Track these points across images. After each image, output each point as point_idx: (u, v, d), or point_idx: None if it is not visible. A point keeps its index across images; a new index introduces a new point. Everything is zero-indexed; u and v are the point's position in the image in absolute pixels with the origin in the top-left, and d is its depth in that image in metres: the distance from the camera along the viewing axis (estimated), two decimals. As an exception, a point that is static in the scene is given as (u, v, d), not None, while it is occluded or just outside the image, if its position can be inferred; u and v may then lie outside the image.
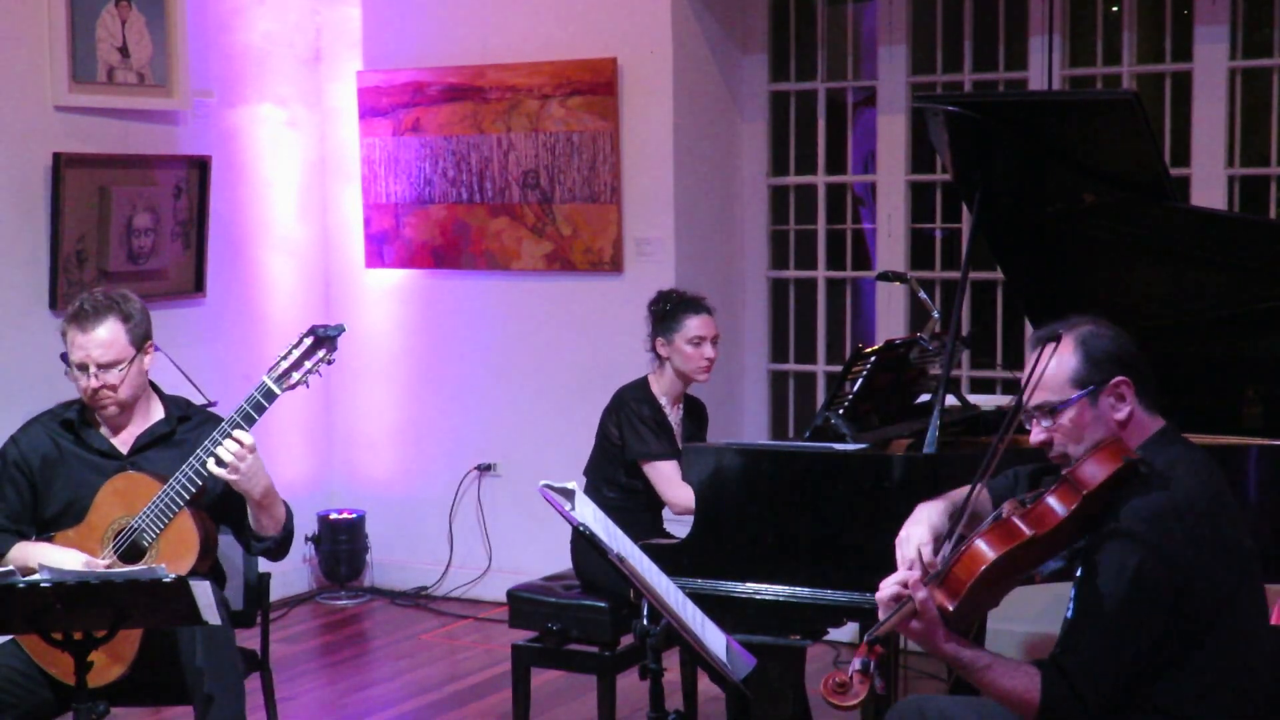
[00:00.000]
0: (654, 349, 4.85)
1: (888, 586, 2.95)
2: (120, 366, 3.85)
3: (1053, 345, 3.04)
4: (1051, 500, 2.92)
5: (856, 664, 2.84)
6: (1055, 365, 3.03)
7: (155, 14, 6.04)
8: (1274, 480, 3.78)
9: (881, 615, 2.95)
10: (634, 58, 6.28)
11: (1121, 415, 3.03)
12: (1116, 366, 3.03)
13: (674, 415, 4.87)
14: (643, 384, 4.86)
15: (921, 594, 2.88)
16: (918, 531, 3.20)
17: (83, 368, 3.85)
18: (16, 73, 5.67)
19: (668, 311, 4.81)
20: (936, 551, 3.13)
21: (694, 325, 4.78)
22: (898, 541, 3.22)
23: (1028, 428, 3.12)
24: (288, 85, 6.82)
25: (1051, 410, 3.03)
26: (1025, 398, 3.07)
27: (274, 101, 6.75)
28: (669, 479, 4.73)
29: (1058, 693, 2.88)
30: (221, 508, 3.95)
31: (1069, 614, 2.97)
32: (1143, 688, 2.92)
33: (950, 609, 2.89)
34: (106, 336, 3.83)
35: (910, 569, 3.11)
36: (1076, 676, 2.88)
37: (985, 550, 2.89)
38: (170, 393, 4.12)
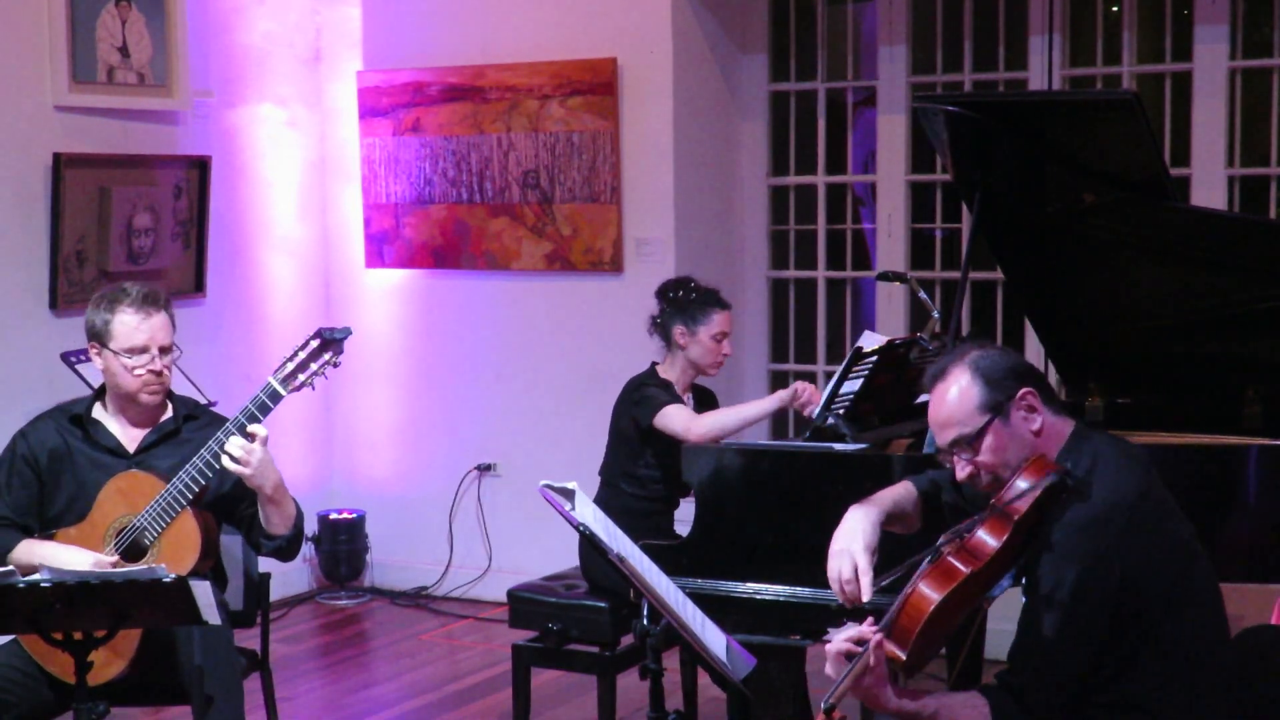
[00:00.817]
0: (669, 335, 4.79)
1: (838, 644, 2.89)
2: (173, 351, 3.92)
3: (945, 380, 3.03)
4: (983, 533, 2.90)
5: None
6: (957, 398, 3.00)
7: (155, 14, 6.04)
8: (1274, 480, 3.78)
9: (833, 672, 2.88)
10: (634, 58, 6.28)
11: (1035, 426, 3.00)
12: (1016, 380, 3.00)
13: (686, 403, 4.84)
14: (650, 372, 4.83)
15: (875, 643, 2.84)
16: (854, 547, 3.12)
17: (142, 351, 3.86)
18: (16, 73, 5.67)
19: (693, 301, 4.76)
20: (870, 566, 3.09)
21: (719, 320, 4.77)
22: (830, 555, 3.15)
23: (947, 466, 3.09)
24: (288, 85, 6.82)
25: (969, 441, 3.00)
26: (940, 437, 3.05)
27: (274, 101, 6.76)
28: (676, 417, 4.62)
29: (1006, 709, 2.87)
30: (230, 508, 3.95)
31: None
32: (1103, 686, 2.91)
33: (903, 658, 2.87)
34: (166, 321, 3.91)
35: (844, 588, 3.08)
36: (1027, 695, 2.88)
37: (928, 594, 2.86)
38: (176, 393, 4.13)
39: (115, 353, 3.87)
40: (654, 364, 4.85)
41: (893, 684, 2.88)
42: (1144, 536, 2.90)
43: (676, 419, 4.64)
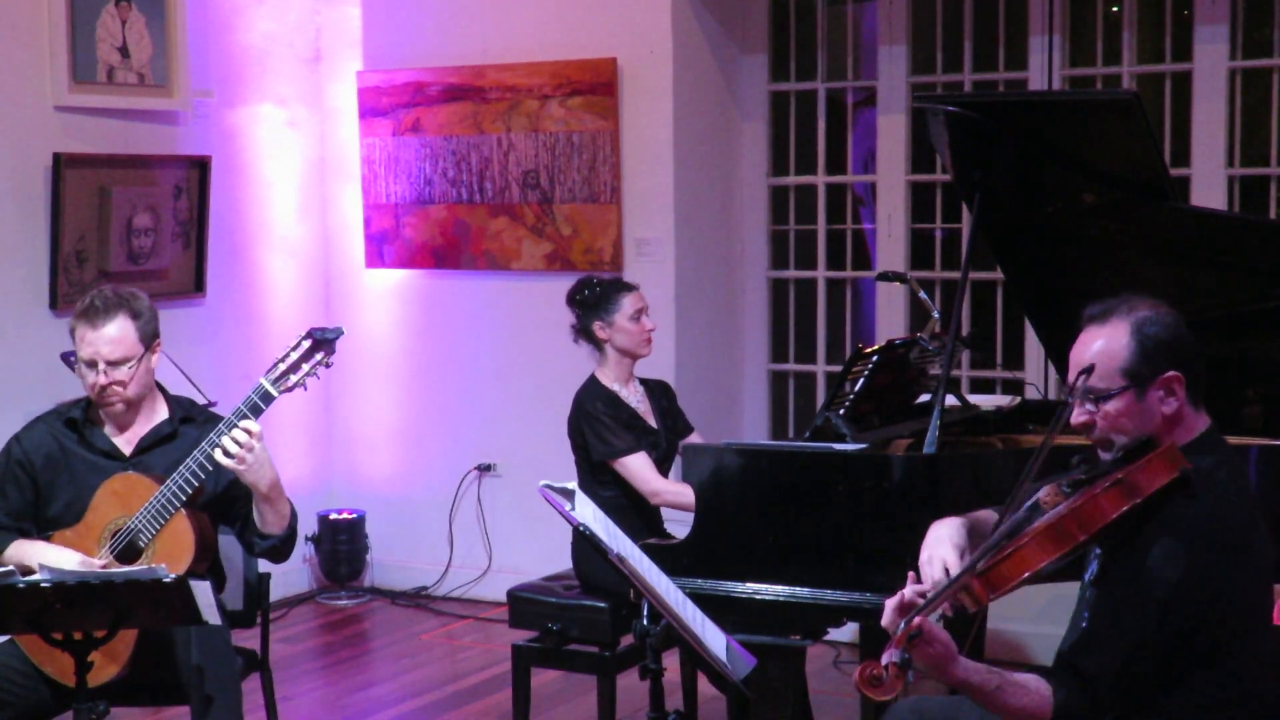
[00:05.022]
0: (591, 337, 4.83)
1: (901, 596, 2.89)
2: (129, 364, 3.85)
3: (1106, 328, 2.96)
4: (1104, 501, 2.82)
5: (895, 656, 2.73)
6: (1107, 350, 2.92)
7: (155, 14, 6.04)
8: (1274, 480, 3.78)
9: (889, 621, 2.87)
10: (634, 58, 6.28)
11: (1170, 410, 2.92)
12: (1169, 360, 2.91)
13: (634, 395, 4.88)
14: (591, 382, 4.86)
15: (964, 580, 2.81)
16: (942, 551, 3.12)
17: (91, 364, 3.84)
18: (16, 73, 5.67)
19: (599, 295, 4.82)
20: (904, 614, 3.01)
21: (630, 301, 4.81)
22: (922, 563, 3.13)
23: (1070, 401, 3.02)
24: (288, 85, 6.82)
25: (1097, 397, 2.92)
26: (1071, 377, 2.98)
27: (274, 101, 6.75)
28: (639, 473, 4.72)
29: (1074, 701, 2.82)
30: (225, 507, 3.95)
31: (1086, 614, 2.93)
32: (1153, 696, 2.87)
33: (985, 602, 2.83)
34: (116, 333, 3.83)
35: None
36: (1094, 679, 2.82)
37: (1037, 554, 2.81)
38: (173, 393, 4.12)
39: (77, 362, 3.89)
40: (593, 374, 4.87)
41: (960, 658, 2.83)
42: (1244, 559, 2.86)
43: (642, 476, 4.73)
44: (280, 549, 3.94)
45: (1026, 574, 2.81)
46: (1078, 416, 2.98)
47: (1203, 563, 2.80)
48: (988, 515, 3.31)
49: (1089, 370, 2.94)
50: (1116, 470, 2.88)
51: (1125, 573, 2.86)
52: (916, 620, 2.75)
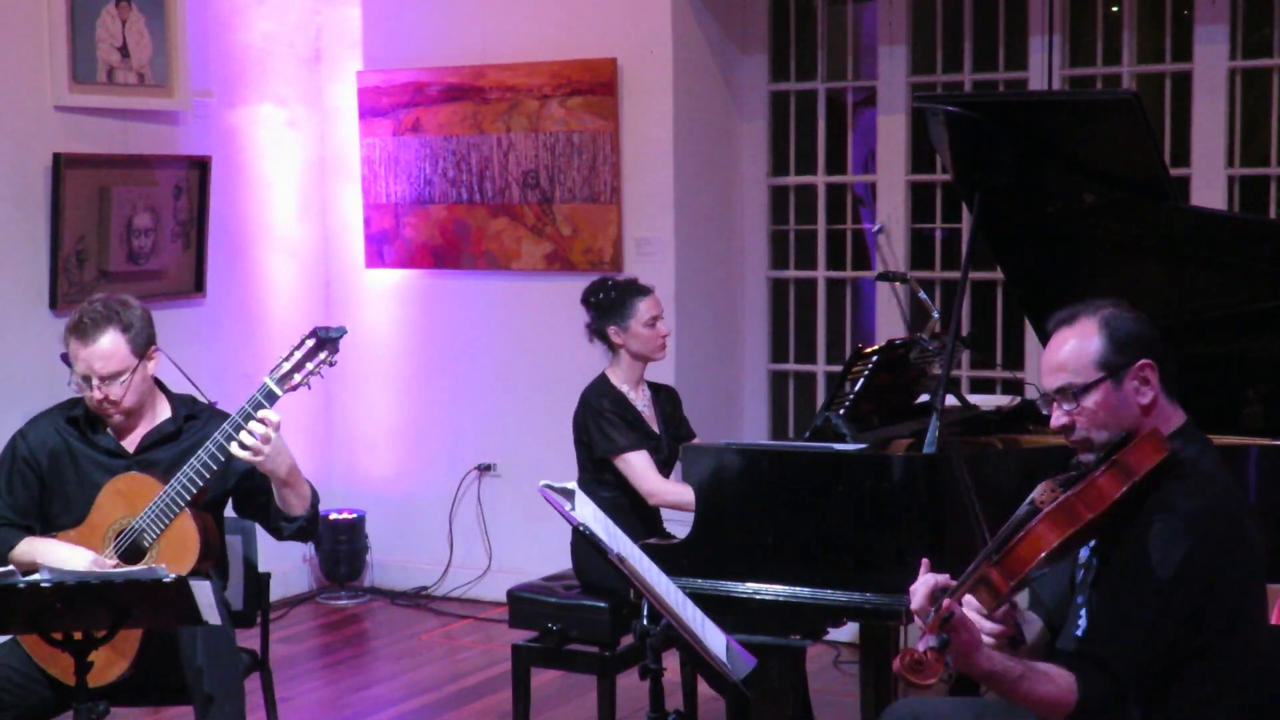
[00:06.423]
0: (605, 340, 4.84)
1: (925, 582, 2.89)
2: (123, 378, 3.84)
3: (1073, 326, 2.99)
4: (1104, 482, 2.85)
5: (933, 640, 2.71)
6: (1078, 347, 2.97)
7: (155, 14, 6.04)
8: (1274, 480, 3.78)
9: (921, 602, 2.87)
10: (634, 58, 6.28)
11: (1146, 399, 2.96)
12: (1141, 349, 2.96)
13: (640, 399, 4.88)
14: (601, 380, 4.87)
15: (981, 570, 2.82)
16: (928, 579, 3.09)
17: (85, 379, 3.84)
18: (16, 73, 5.67)
19: (615, 300, 4.82)
20: (934, 601, 2.98)
21: (645, 307, 4.81)
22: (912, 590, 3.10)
23: (1045, 413, 3.06)
24: (288, 85, 6.82)
25: (1075, 393, 2.96)
26: (1044, 380, 3.01)
27: (274, 101, 6.76)
28: (640, 471, 4.73)
29: (1096, 687, 2.82)
30: (245, 500, 3.96)
31: (1091, 602, 2.92)
32: (1154, 690, 2.87)
33: (1005, 590, 2.84)
34: (108, 348, 3.81)
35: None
36: (1116, 665, 2.82)
37: (1049, 533, 2.83)
38: (176, 392, 4.13)
39: (74, 375, 3.88)
40: (604, 373, 4.88)
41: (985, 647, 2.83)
42: (1237, 544, 2.88)
43: (643, 475, 4.74)
44: (307, 529, 3.96)
45: (1043, 554, 2.82)
46: (1057, 419, 3.01)
47: (1201, 548, 2.82)
48: None
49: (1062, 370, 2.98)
50: (1109, 456, 2.90)
51: (1127, 555, 2.87)
52: (947, 603, 2.75)
